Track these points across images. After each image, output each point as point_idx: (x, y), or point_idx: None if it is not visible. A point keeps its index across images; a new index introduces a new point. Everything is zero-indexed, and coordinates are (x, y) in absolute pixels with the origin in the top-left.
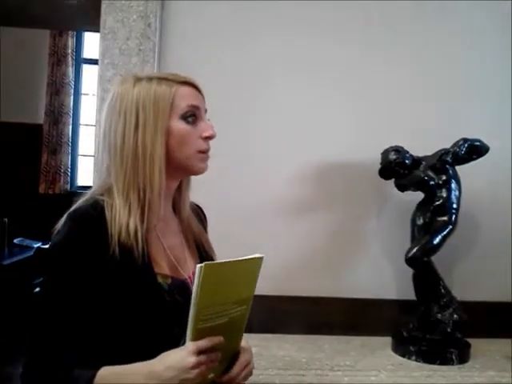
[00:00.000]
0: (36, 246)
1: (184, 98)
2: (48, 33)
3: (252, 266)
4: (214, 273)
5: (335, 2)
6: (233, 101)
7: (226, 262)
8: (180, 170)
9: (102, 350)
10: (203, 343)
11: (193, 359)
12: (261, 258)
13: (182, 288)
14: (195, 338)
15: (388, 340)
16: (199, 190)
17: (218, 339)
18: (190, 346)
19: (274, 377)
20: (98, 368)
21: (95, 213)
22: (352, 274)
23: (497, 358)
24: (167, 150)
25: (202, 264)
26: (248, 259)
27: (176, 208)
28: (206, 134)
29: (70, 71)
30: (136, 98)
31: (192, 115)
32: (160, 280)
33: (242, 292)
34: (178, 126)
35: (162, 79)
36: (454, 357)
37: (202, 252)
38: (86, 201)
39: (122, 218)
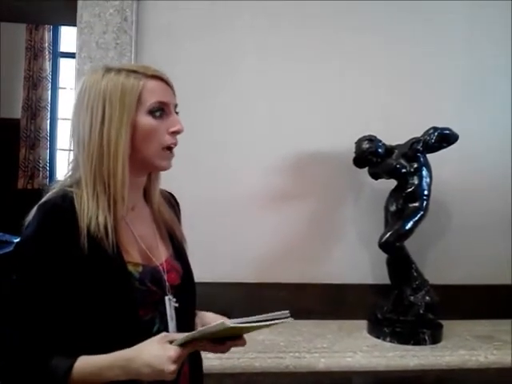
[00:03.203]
0: (16, 240)
1: (152, 93)
2: (24, 27)
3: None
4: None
5: None
6: (209, 93)
7: (250, 326)
8: (145, 165)
9: (77, 338)
10: (185, 352)
11: (173, 367)
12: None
13: (153, 275)
14: (181, 346)
15: (364, 323)
16: (174, 181)
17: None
18: (172, 351)
19: (253, 360)
20: (75, 355)
21: (64, 205)
22: (329, 260)
23: (468, 338)
24: (133, 145)
25: (227, 323)
26: (272, 324)
27: (147, 197)
28: (174, 129)
29: (47, 65)
30: (103, 90)
31: (160, 110)
32: (130, 268)
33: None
34: (144, 120)
35: (131, 72)
36: (426, 337)
37: (175, 240)
38: (55, 193)
39: (90, 209)
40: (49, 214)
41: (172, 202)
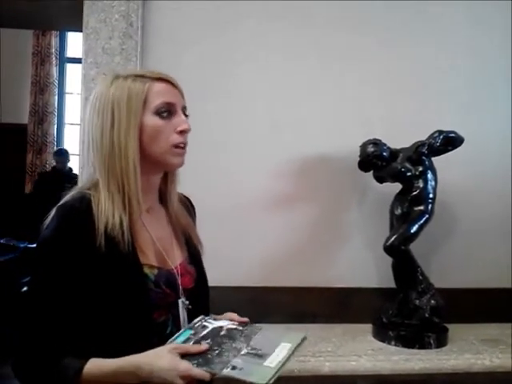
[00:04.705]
0: (22, 245)
1: (158, 95)
2: (31, 32)
3: None
4: None
5: None
6: (213, 96)
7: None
8: (157, 164)
9: (91, 338)
10: (197, 374)
11: (181, 382)
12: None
13: (168, 278)
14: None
15: (369, 327)
16: (183, 182)
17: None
18: (185, 368)
19: None
20: (88, 355)
21: (82, 206)
22: (334, 264)
23: (473, 341)
24: (142, 146)
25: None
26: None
27: (163, 200)
28: (181, 128)
29: (54, 70)
30: (112, 96)
31: (166, 110)
32: (146, 271)
33: None
34: (151, 121)
35: (138, 76)
36: (431, 341)
37: (190, 244)
38: (73, 195)
39: (107, 210)
40: (66, 215)
41: (188, 205)
